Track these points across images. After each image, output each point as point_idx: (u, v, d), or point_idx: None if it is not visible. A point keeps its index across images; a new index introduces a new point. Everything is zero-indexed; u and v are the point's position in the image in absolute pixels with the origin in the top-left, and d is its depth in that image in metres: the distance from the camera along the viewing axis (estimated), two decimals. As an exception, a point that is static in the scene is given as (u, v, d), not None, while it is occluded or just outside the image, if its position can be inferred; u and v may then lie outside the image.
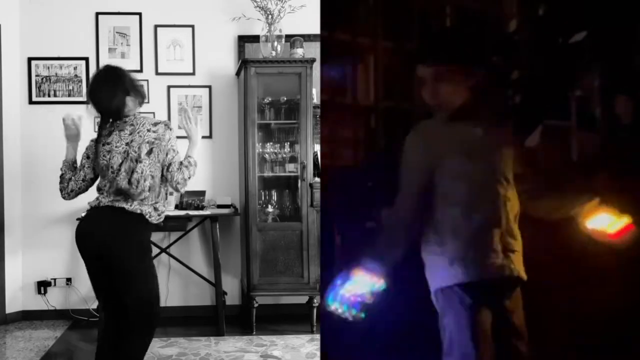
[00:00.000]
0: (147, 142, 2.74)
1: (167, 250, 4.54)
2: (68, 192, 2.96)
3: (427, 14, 2.25)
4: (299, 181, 4.29)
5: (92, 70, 4.67)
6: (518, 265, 1.98)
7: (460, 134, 1.96)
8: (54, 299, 4.67)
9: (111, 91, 2.77)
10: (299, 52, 4.43)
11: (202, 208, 4.35)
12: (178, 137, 2.92)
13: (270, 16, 4.44)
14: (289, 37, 4.50)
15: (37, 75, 4.65)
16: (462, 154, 1.96)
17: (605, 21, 1.68)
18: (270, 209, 4.34)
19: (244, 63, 4.29)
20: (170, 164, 2.78)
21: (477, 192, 1.95)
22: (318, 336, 4.02)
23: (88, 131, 4.62)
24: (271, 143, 4.43)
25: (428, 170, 1.98)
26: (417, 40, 2.20)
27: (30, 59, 4.64)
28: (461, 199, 1.95)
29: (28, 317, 4.65)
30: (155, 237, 4.58)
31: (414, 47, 2.14)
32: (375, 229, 2.24)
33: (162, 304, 4.65)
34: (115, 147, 2.77)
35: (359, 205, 2.33)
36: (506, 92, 1.98)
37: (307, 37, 4.57)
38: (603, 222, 1.92)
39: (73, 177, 2.95)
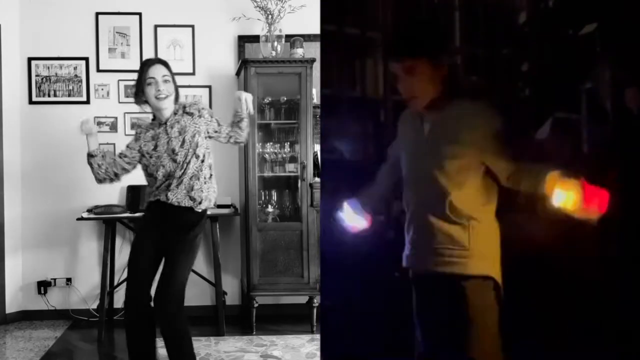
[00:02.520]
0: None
1: (167, 250, 4.54)
2: None
3: (436, 7, 2.25)
4: (299, 181, 4.29)
5: (92, 70, 4.68)
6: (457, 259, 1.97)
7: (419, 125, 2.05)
8: (54, 299, 4.67)
9: None
10: (299, 52, 4.43)
11: (202, 208, 4.34)
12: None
13: (270, 16, 4.43)
14: (289, 37, 4.50)
15: (37, 75, 4.65)
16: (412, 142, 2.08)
17: (615, 12, 1.67)
18: (270, 209, 4.34)
19: (244, 63, 4.29)
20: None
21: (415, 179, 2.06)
22: (318, 336, 4.02)
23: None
24: (271, 143, 4.43)
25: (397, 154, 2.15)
26: (386, 35, 2.21)
27: (30, 59, 4.63)
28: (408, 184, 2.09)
29: (28, 317, 4.65)
30: (155, 237, 4.58)
31: (388, 42, 2.15)
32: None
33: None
34: None
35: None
36: (516, 84, 1.97)
37: (307, 37, 4.57)
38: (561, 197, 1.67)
39: None
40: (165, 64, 3.04)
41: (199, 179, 2.99)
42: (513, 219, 2.00)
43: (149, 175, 3.05)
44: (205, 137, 3.05)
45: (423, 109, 2.01)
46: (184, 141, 2.96)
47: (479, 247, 1.96)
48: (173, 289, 2.93)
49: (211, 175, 3.07)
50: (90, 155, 3.00)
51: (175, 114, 3.02)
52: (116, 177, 3.06)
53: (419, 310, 2.08)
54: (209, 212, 4.22)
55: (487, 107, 1.92)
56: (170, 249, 2.99)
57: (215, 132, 3.11)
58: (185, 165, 2.96)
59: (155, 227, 3.03)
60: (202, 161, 3.01)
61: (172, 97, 3.00)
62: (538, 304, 1.99)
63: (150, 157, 3.00)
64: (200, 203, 3.01)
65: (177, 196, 2.96)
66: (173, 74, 3.04)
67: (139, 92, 3.01)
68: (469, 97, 1.98)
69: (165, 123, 3.00)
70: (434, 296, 2.03)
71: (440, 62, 1.95)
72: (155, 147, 2.99)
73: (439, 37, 2.06)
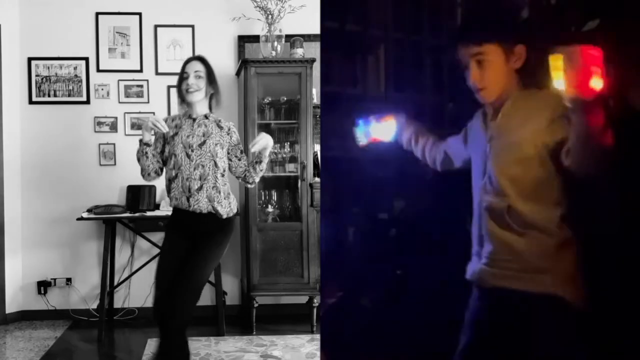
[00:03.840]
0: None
1: (167, 250, 4.54)
2: None
3: (438, 2, 2.24)
4: (299, 181, 4.29)
5: (92, 70, 4.67)
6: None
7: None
8: (54, 299, 4.66)
9: None
10: (299, 52, 4.43)
11: (202, 208, 4.34)
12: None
13: (270, 16, 4.44)
14: (289, 37, 4.50)
15: (37, 75, 4.64)
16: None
17: (618, 9, 1.66)
18: (270, 209, 4.34)
19: (244, 63, 4.29)
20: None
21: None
22: (318, 336, 4.02)
23: (87, 131, 4.66)
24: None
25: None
26: (459, 21, 2.16)
27: (30, 59, 4.63)
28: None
29: (28, 317, 4.65)
30: (156, 237, 4.58)
31: (457, 28, 2.08)
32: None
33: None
34: None
35: (367, 197, 2.33)
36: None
37: (307, 37, 4.57)
38: None
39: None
40: (201, 60, 3.03)
41: (220, 192, 2.92)
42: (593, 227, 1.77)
43: (168, 169, 2.99)
44: (225, 156, 2.99)
45: (491, 103, 1.86)
46: (204, 143, 2.92)
47: (541, 261, 1.76)
48: (180, 298, 2.80)
49: (229, 193, 3.00)
50: (146, 144, 2.93)
51: (206, 117, 2.98)
52: (161, 170, 3.01)
53: (474, 319, 1.92)
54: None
55: (554, 93, 1.65)
56: (190, 254, 2.89)
57: (237, 158, 3.04)
58: (200, 168, 2.88)
59: (179, 230, 2.97)
60: (222, 175, 2.95)
61: (203, 92, 2.97)
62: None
63: (168, 143, 2.97)
64: (221, 212, 2.92)
65: (199, 204, 2.88)
66: (211, 72, 3.01)
67: (178, 89, 3.03)
68: (535, 85, 1.79)
69: (194, 119, 2.98)
70: (492, 311, 1.86)
71: (513, 50, 1.79)
72: (175, 134, 2.95)
73: (513, 21, 1.89)
